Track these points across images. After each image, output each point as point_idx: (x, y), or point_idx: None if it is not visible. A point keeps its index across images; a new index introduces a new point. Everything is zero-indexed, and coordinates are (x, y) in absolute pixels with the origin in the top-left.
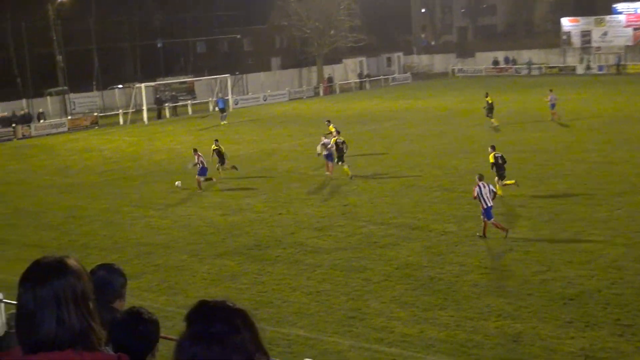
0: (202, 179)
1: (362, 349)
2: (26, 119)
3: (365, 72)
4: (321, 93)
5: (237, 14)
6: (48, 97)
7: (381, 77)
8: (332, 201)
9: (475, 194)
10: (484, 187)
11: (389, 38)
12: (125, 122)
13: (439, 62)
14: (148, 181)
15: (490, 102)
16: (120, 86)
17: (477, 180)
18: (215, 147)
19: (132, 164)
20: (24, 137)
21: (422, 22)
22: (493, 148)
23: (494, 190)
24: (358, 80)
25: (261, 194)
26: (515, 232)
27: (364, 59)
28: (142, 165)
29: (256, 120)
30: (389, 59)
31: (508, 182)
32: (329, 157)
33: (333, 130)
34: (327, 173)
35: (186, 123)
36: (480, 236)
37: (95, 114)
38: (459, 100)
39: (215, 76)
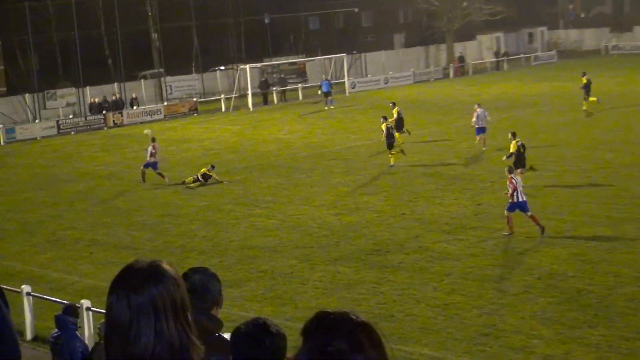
0: (152, 170)
1: None
2: (118, 105)
3: (502, 50)
4: (451, 74)
5: None
6: (142, 81)
7: (521, 55)
8: (464, 199)
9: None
10: (516, 180)
11: (531, 10)
12: (227, 108)
13: (590, 37)
14: (252, 176)
15: (585, 82)
16: (222, 68)
17: (507, 174)
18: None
19: (235, 156)
20: (115, 125)
21: None
22: (514, 135)
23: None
24: (494, 59)
25: (381, 191)
26: None
27: (501, 34)
28: (246, 158)
29: (376, 107)
30: (530, 35)
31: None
32: (479, 130)
33: (395, 114)
34: (481, 145)
35: (296, 109)
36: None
37: (195, 99)
38: (614, 83)
39: (329, 56)
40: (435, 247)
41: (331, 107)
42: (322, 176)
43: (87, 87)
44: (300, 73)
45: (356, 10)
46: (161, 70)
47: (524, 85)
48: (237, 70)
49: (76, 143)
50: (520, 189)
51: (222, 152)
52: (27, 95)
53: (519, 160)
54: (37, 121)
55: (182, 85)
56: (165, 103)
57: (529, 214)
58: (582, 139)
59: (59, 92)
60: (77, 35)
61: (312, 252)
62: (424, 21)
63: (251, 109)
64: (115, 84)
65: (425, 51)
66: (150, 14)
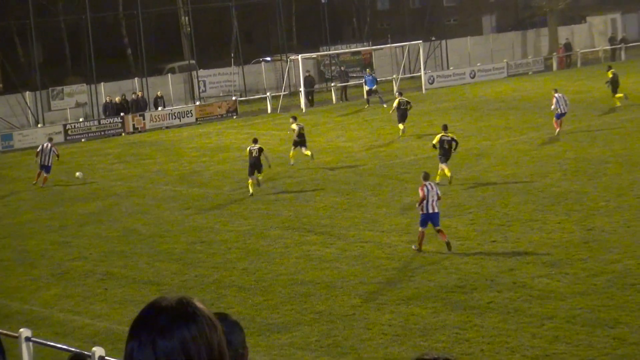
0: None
1: None
2: (139, 106)
3: (619, 36)
4: (554, 66)
5: None
6: (169, 75)
7: None
8: (570, 223)
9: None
10: (431, 188)
11: None
12: (274, 109)
13: None
14: (306, 194)
15: (611, 75)
16: (268, 59)
17: (422, 180)
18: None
19: (283, 169)
20: (135, 130)
21: None
22: (445, 128)
23: (439, 193)
24: (609, 47)
25: (466, 212)
26: None
27: (617, 15)
28: (298, 171)
29: (459, 107)
30: None
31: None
32: (559, 115)
33: (295, 128)
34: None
35: (359, 110)
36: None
37: (234, 98)
38: None
39: (401, 43)
40: (534, 283)
41: (384, 105)
42: (392, 194)
43: (101, 84)
44: (366, 65)
45: None
46: (192, 62)
47: None
48: (286, 61)
49: (87, 152)
50: (432, 199)
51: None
52: (27, 94)
53: (444, 153)
54: (39, 125)
55: (219, 80)
56: (198, 103)
57: (437, 227)
58: None
59: (67, 89)
60: (89, 18)
61: (379, 289)
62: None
63: (304, 109)
64: (136, 80)
65: (523, 37)
66: None
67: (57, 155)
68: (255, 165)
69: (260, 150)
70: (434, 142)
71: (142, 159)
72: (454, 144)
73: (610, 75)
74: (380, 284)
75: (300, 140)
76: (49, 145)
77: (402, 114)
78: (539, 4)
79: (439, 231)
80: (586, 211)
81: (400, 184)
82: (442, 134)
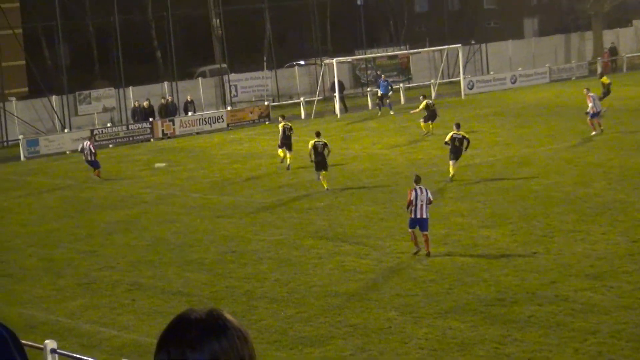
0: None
1: None
2: (169, 111)
3: None
4: (599, 70)
5: None
6: (199, 80)
7: None
8: (615, 235)
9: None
10: (421, 192)
11: None
12: (308, 114)
13: None
14: (340, 202)
15: (606, 83)
16: (302, 63)
17: (413, 183)
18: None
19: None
20: (165, 136)
21: None
22: (457, 126)
23: (431, 198)
24: None
25: (507, 222)
26: None
27: None
28: (332, 178)
29: (500, 113)
30: None
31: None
32: (594, 115)
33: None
34: (594, 132)
35: (397, 116)
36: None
37: (267, 103)
38: None
39: (440, 47)
40: (577, 297)
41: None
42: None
43: (130, 88)
44: (404, 69)
45: None
46: (224, 65)
47: None
48: (321, 65)
49: (115, 159)
50: (421, 203)
51: (300, 171)
52: (53, 98)
53: (455, 152)
54: (66, 131)
55: (251, 85)
56: (229, 108)
57: (425, 232)
58: None
59: (94, 93)
60: (117, 20)
61: (416, 302)
62: (564, 2)
63: (338, 115)
64: (165, 84)
65: (566, 41)
66: None
67: (94, 153)
68: (321, 163)
69: (325, 145)
70: (447, 139)
71: (172, 165)
72: (465, 142)
73: (606, 82)
74: (416, 296)
75: (286, 143)
76: (88, 143)
77: (431, 114)
78: (583, 6)
79: (425, 240)
80: (631, 222)
81: (438, 192)
82: (454, 132)
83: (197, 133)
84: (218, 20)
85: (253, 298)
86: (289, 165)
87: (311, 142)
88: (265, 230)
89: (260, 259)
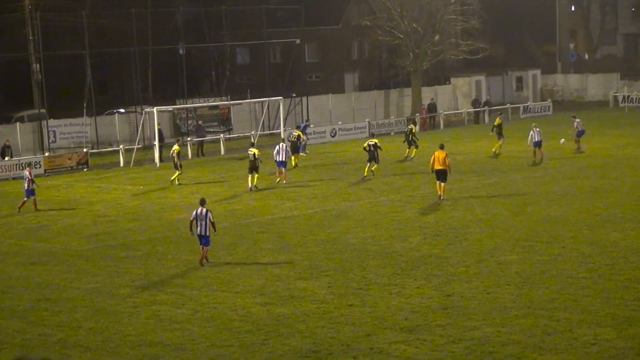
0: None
1: None
2: None
3: (483, 98)
4: (417, 127)
5: (296, 9)
6: (17, 125)
7: (507, 105)
8: (429, 288)
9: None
10: (201, 213)
11: (521, 48)
12: (127, 162)
13: (595, 85)
14: (157, 250)
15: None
16: (122, 111)
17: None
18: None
19: (136, 224)
20: None
21: (571, 27)
22: (372, 135)
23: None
24: (472, 109)
25: (323, 274)
26: None
27: (482, 78)
28: (151, 227)
29: (319, 165)
30: (519, 80)
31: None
32: (581, 133)
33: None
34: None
35: (216, 166)
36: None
37: (85, 149)
38: (624, 143)
39: (261, 99)
40: (392, 350)
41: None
42: (248, 253)
43: None
44: (224, 120)
45: (298, 41)
46: (43, 111)
47: (512, 144)
48: (141, 113)
49: None
50: (201, 222)
51: (119, 219)
52: None
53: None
54: None
55: (70, 131)
56: (47, 154)
57: (206, 248)
58: (580, 215)
59: None
60: None
61: (231, 353)
62: (384, 58)
63: (158, 164)
64: None
65: (385, 96)
66: (31, 38)
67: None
68: (372, 157)
69: (376, 146)
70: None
71: None
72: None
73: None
74: (232, 347)
75: (252, 167)
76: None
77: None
78: (402, 62)
79: (203, 251)
80: (445, 276)
81: (256, 243)
82: (369, 140)
83: (14, 178)
84: (38, 65)
85: (66, 346)
86: (254, 186)
87: (366, 143)
88: (80, 278)
89: (75, 307)
